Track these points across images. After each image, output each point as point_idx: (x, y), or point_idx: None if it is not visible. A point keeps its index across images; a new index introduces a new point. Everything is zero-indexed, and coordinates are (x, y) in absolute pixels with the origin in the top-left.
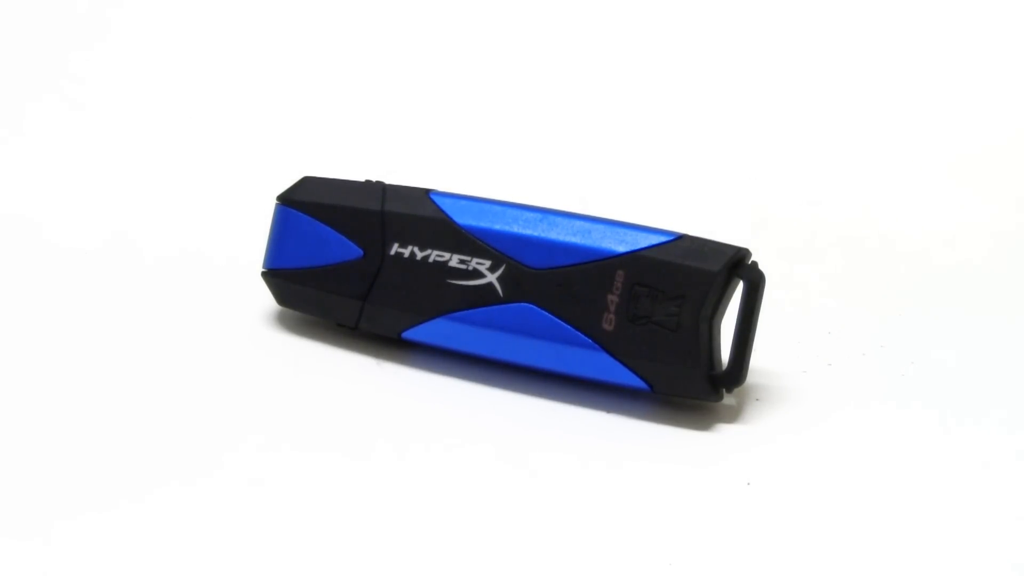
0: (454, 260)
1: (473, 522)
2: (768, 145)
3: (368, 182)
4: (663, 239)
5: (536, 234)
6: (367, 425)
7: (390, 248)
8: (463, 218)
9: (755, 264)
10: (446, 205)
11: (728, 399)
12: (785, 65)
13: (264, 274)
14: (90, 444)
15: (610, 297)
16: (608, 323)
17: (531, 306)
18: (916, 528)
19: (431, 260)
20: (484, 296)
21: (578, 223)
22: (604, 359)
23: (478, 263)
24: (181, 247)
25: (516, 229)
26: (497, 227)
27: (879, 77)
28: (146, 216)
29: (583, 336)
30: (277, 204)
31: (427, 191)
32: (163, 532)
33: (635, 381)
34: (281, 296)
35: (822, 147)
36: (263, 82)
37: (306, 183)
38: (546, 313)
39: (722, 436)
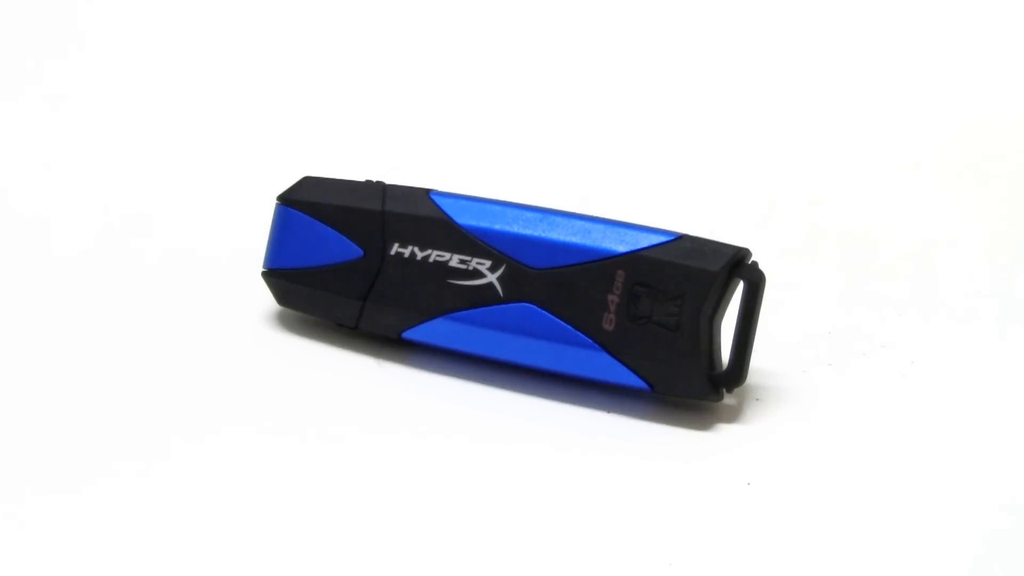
0: (454, 260)
1: (473, 521)
2: (768, 145)
3: (368, 182)
4: (663, 239)
5: (536, 234)
6: (367, 425)
7: (390, 248)
8: (463, 218)
9: (755, 264)
10: (446, 205)
11: (728, 399)
12: (785, 65)
13: (264, 274)
14: (87, 440)
15: (610, 297)
16: (608, 323)
17: (531, 306)
18: (916, 528)
19: (431, 260)
20: (484, 296)
21: (578, 223)
22: (604, 359)
23: (478, 263)
24: (181, 247)
25: (516, 229)
26: (497, 227)
27: (880, 78)
28: (146, 216)
29: (583, 336)
30: (277, 204)
31: (427, 191)
32: (160, 530)
33: (635, 381)
34: (281, 296)
35: (822, 147)
36: (263, 82)
37: (306, 183)
38: (546, 313)
39: (722, 436)
